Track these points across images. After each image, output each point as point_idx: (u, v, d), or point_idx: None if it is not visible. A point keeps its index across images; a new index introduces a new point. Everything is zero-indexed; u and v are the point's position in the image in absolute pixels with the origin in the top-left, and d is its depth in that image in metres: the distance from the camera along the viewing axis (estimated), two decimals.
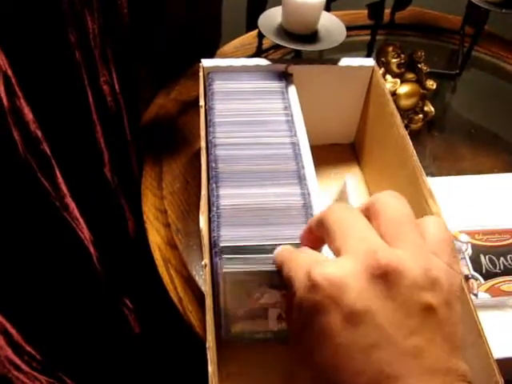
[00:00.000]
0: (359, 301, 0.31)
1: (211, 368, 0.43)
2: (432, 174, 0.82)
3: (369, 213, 0.37)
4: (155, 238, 0.72)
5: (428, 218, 0.37)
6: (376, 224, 0.36)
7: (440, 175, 0.80)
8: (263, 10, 0.74)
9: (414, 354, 0.30)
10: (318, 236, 0.40)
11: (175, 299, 0.67)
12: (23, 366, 0.58)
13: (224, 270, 0.49)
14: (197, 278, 0.68)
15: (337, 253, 0.35)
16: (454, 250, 0.36)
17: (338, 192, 0.71)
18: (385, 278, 0.31)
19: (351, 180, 0.66)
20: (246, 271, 0.49)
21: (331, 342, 0.31)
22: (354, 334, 0.31)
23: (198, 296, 0.66)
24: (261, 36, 0.87)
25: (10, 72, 0.48)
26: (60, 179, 0.58)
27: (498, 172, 0.80)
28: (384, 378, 0.29)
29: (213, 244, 0.51)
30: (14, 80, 0.47)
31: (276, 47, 0.98)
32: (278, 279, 0.44)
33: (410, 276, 0.31)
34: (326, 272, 0.32)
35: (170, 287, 0.68)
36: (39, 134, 0.53)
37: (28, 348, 0.59)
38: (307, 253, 0.39)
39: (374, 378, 0.30)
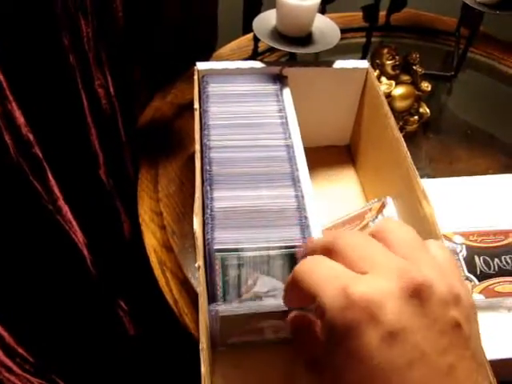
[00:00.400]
0: (397, 319, 0.30)
1: (204, 369, 0.43)
2: (428, 176, 0.82)
3: (377, 240, 0.36)
4: (151, 241, 0.72)
5: (431, 242, 0.37)
6: (387, 244, 0.35)
7: (436, 176, 0.80)
8: (259, 12, 0.74)
9: (448, 372, 0.30)
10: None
11: (171, 301, 0.67)
12: (15, 368, 0.58)
13: (220, 315, 0.49)
14: (192, 281, 0.68)
15: (361, 272, 0.34)
16: (459, 269, 0.37)
17: (375, 212, 0.67)
18: (419, 295, 0.31)
19: (391, 202, 0.64)
20: (241, 314, 0.49)
21: (367, 363, 0.30)
22: (390, 354, 0.30)
23: (194, 298, 0.66)
24: (256, 39, 0.88)
25: (1, 76, 0.48)
26: (52, 182, 0.59)
27: (493, 173, 0.80)
28: None
29: (206, 246, 0.52)
30: (5, 84, 0.47)
31: (272, 49, 0.99)
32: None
33: (439, 292, 0.31)
34: (363, 290, 0.31)
35: (165, 289, 0.68)
36: (31, 137, 0.53)
37: (20, 350, 0.59)
38: (332, 266, 0.35)
39: None
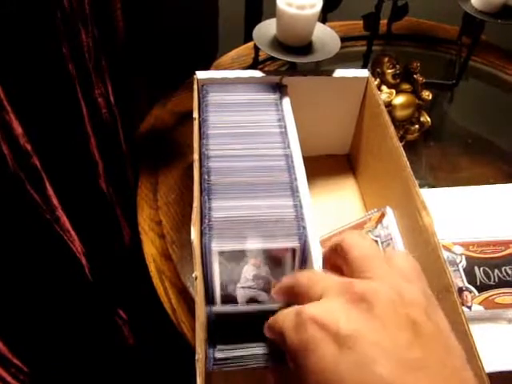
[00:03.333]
0: (348, 325, 0.32)
1: (199, 380, 0.43)
2: (428, 185, 0.82)
3: (336, 253, 0.40)
4: (150, 249, 0.72)
5: (395, 253, 0.39)
6: (346, 261, 0.38)
7: (437, 185, 0.80)
8: (260, 21, 0.74)
9: (419, 365, 0.30)
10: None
11: (169, 311, 0.67)
12: (9, 379, 0.57)
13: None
14: (191, 289, 0.68)
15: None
16: (423, 278, 0.38)
17: (374, 222, 0.67)
18: (363, 302, 0.33)
19: (391, 212, 0.64)
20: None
21: (331, 371, 0.31)
22: (352, 356, 0.31)
23: (192, 307, 0.66)
24: (257, 48, 0.88)
25: None
26: (50, 192, 0.58)
27: (494, 182, 0.79)
28: None
29: (204, 256, 0.51)
30: (2, 94, 0.47)
31: (273, 58, 0.99)
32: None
33: (386, 297, 0.33)
34: (313, 310, 0.34)
35: (164, 299, 0.68)
36: (29, 147, 0.53)
37: (15, 360, 0.59)
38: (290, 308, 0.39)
39: None
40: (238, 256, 0.52)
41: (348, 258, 0.38)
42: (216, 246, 0.51)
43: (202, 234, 0.52)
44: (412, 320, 0.32)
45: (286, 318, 0.36)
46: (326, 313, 0.33)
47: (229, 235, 0.52)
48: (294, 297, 0.39)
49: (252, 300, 0.57)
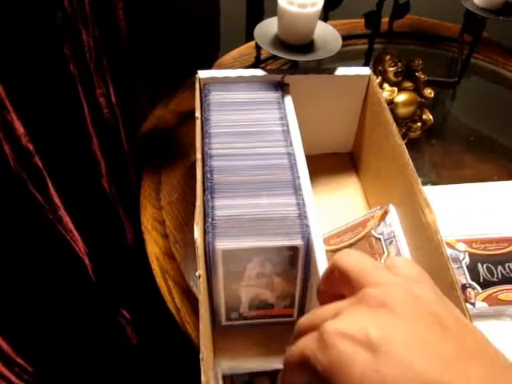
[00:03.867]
0: (374, 331, 0.31)
1: (204, 378, 0.43)
2: (431, 182, 0.82)
3: (333, 279, 0.38)
4: (153, 249, 0.72)
5: (397, 260, 0.38)
6: (347, 281, 0.36)
7: (440, 183, 0.80)
8: (261, 20, 0.74)
9: (459, 357, 0.29)
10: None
11: (173, 310, 0.67)
12: (13, 379, 0.57)
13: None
14: (194, 289, 0.68)
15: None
16: (430, 280, 0.37)
17: (377, 220, 0.67)
18: (383, 306, 0.32)
19: (394, 210, 0.64)
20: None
21: (375, 379, 0.30)
22: (390, 360, 0.30)
23: (196, 306, 0.66)
24: (258, 46, 0.88)
25: None
26: (53, 192, 0.59)
27: (497, 179, 0.79)
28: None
29: (207, 255, 0.51)
30: (3, 94, 0.48)
31: (274, 57, 0.99)
32: None
33: (403, 297, 0.32)
34: (333, 327, 0.32)
35: (167, 298, 0.68)
36: (31, 147, 0.53)
37: (19, 360, 0.59)
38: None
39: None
40: (242, 254, 0.52)
41: (349, 276, 0.36)
42: (219, 245, 0.51)
43: (205, 232, 0.52)
44: (435, 315, 0.31)
45: (306, 343, 0.34)
46: (352, 324, 0.32)
47: (232, 234, 0.52)
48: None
49: (256, 299, 0.57)
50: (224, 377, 0.56)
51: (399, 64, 0.85)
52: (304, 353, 0.34)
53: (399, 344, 0.30)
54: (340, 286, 0.38)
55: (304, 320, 0.37)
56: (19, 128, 0.51)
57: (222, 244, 0.51)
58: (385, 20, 1.01)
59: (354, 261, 0.37)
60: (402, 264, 0.37)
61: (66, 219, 0.62)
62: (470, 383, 0.28)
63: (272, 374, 0.57)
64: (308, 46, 0.71)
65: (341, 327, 0.32)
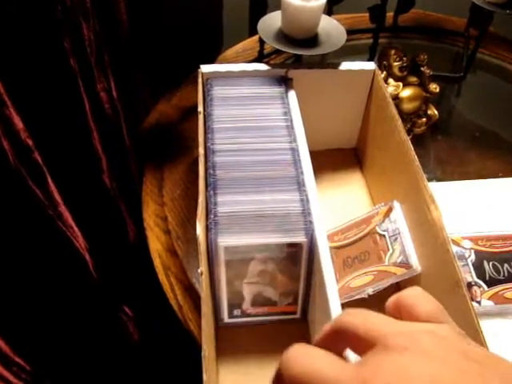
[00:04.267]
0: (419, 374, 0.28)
1: (206, 376, 0.42)
2: (436, 178, 0.81)
3: (338, 339, 0.35)
4: (155, 245, 0.71)
5: (417, 296, 0.35)
6: (358, 341, 0.33)
7: (445, 179, 0.79)
8: (265, 14, 0.74)
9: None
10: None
11: (175, 307, 0.66)
12: (11, 378, 0.57)
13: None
14: (197, 285, 0.67)
15: None
16: (447, 314, 0.35)
17: (381, 216, 0.66)
18: (414, 351, 0.29)
19: (398, 206, 0.63)
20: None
21: None
22: None
23: (198, 303, 0.65)
24: (262, 41, 0.87)
25: None
26: (53, 188, 0.58)
27: (503, 176, 0.78)
28: None
29: (210, 252, 0.51)
30: (2, 89, 0.47)
31: (278, 51, 0.98)
32: None
33: (427, 339, 0.30)
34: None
35: (170, 295, 0.67)
36: (30, 142, 0.53)
37: (17, 359, 0.58)
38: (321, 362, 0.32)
39: None
40: (244, 251, 0.52)
41: (360, 336, 0.33)
42: (222, 242, 0.50)
43: (207, 229, 0.51)
44: (466, 353, 0.29)
45: None
46: (399, 372, 0.28)
47: (234, 230, 0.51)
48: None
49: (258, 296, 0.57)
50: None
51: (404, 59, 0.84)
52: None
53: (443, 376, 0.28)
54: (345, 345, 0.34)
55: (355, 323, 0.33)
56: (18, 123, 0.50)
57: (224, 241, 0.50)
58: (390, 14, 1.00)
59: (364, 322, 0.33)
60: (422, 300, 0.34)
61: (66, 215, 0.62)
62: None
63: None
64: (312, 40, 0.70)
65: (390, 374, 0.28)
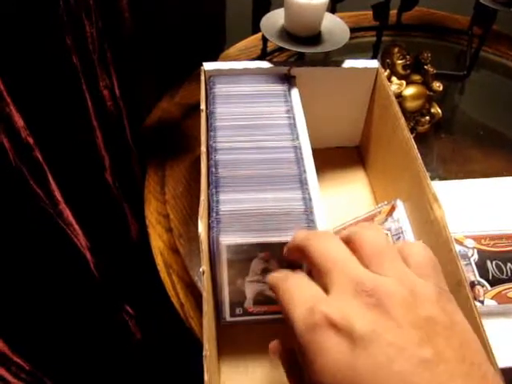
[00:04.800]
0: (363, 325, 0.32)
1: (207, 377, 0.42)
2: (440, 177, 0.81)
3: (348, 245, 0.39)
4: (157, 243, 0.71)
5: (410, 244, 0.39)
6: (358, 256, 0.37)
7: (448, 178, 0.79)
8: (268, 11, 0.73)
9: (436, 361, 0.30)
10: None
11: (177, 305, 0.66)
12: (10, 378, 0.57)
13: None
14: (199, 284, 0.67)
15: (324, 288, 0.36)
16: (439, 271, 0.38)
17: (384, 215, 0.65)
18: (378, 303, 0.32)
19: (401, 205, 0.63)
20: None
21: (348, 373, 0.31)
22: (368, 357, 0.31)
23: (200, 302, 0.65)
24: (265, 38, 0.87)
25: None
26: (53, 186, 0.58)
27: (507, 174, 0.78)
28: None
29: (212, 250, 0.51)
30: (2, 86, 0.47)
31: (281, 49, 0.98)
32: None
33: (399, 296, 0.33)
34: (326, 310, 0.33)
35: (171, 293, 0.67)
36: (31, 140, 0.52)
37: (16, 358, 0.58)
38: (304, 287, 0.38)
39: None
40: (247, 250, 0.51)
41: (361, 253, 0.37)
42: (224, 240, 0.50)
43: (209, 227, 0.51)
44: (426, 317, 0.32)
45: (296, 308, 0.36)
46: (341, 313, 0.33)
47: (237, 229, 0.51)
48: (304, 260, 0.39)
49: (260, 294, 0.57)
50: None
51: (408, 57, 0.84)
52: (292, 312, 0.35)
53: (381, 344, 0.31)
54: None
55: (313, 247, 0.39)
56: (19, 121, 0.50)
57: (226, 239, 0.50)
58: (393, 12, 0.99)
59: (370, 241, 0.38)
60: (415, 251, 0.38)
61: (67, 213, 0.62)
62: None
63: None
64: (315, 38, 0.70)
65: (330, 311, 0.33)
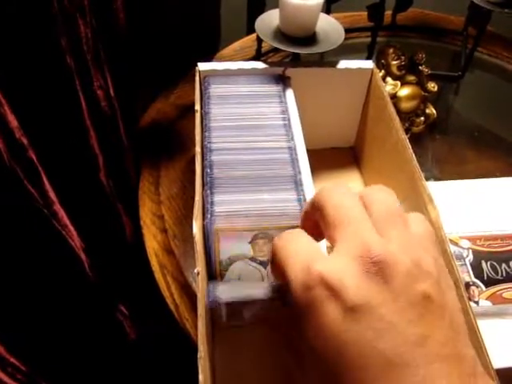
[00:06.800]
0: (358, 295, 0.30)
1: (202, 378, 0.42)
2: (434, 178, 0.81)
3: (362, 202, 0.37)
4: (152, 244, 0.71)
5: (411, 215, 0.37)
6: (368, 213, 0.35)
7: (443, 178, 0.79)
8: (263, 12, 0.73)
9: (420, 342, 0.29)
10: (315, 222, 0.38)
11: (171, 306, 0.66)
12: (6, 379, 0.57)
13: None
14: (193, 285, 0.67)
15: (331, 241, 0.35)
16: (437, 245, 0.37)
17: None
18: (380, 272, 0.31)
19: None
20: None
21: (334, 340, 0.30)
22: (356, 328, 0.30)
23: (195, 303, 0.65)
24: (260, 39, 0.87)
25: None
26: (48, 186, 0.58)
27: (500, 175, 0.78)
28: (392, 367, 0.29)
29: (206, 251, 0.51)
30: None
31: (276, 50, 0.98)
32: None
33: (403, 268, 0.31)
34: (323, 269, 0.32)
35: (166, 294, 0.67)
36: (25, 141, 0.52)
37: (12, 359, 0.58)
38: (303, 241, 0.36)
39: (383, 369, 0.29)
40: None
41: (370, 210, 0.35)
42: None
43: (204, 228, 0.51)
44: (424, 294, 0.31)
45: (293, 264, 0.34)
46: (337, 275, 0.31)
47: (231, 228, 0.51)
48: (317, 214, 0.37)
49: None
50: None
51: (402, 57, 0.84)
52: (289, 274, 0.34)
53: (373, 317, 0.30)
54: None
55: (326, 200, 0.36)
56: (13, 121, 0.50)
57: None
58: (388, 13, 0.99)
59: (377, 200, 0.36)
60: (416, 222, 0.36)
61: (61, 214, 0.61)
62: (418, 371, 0.29)
63: None
64: (310, 39, 0.70)
65: (326, 270, 0.31)
